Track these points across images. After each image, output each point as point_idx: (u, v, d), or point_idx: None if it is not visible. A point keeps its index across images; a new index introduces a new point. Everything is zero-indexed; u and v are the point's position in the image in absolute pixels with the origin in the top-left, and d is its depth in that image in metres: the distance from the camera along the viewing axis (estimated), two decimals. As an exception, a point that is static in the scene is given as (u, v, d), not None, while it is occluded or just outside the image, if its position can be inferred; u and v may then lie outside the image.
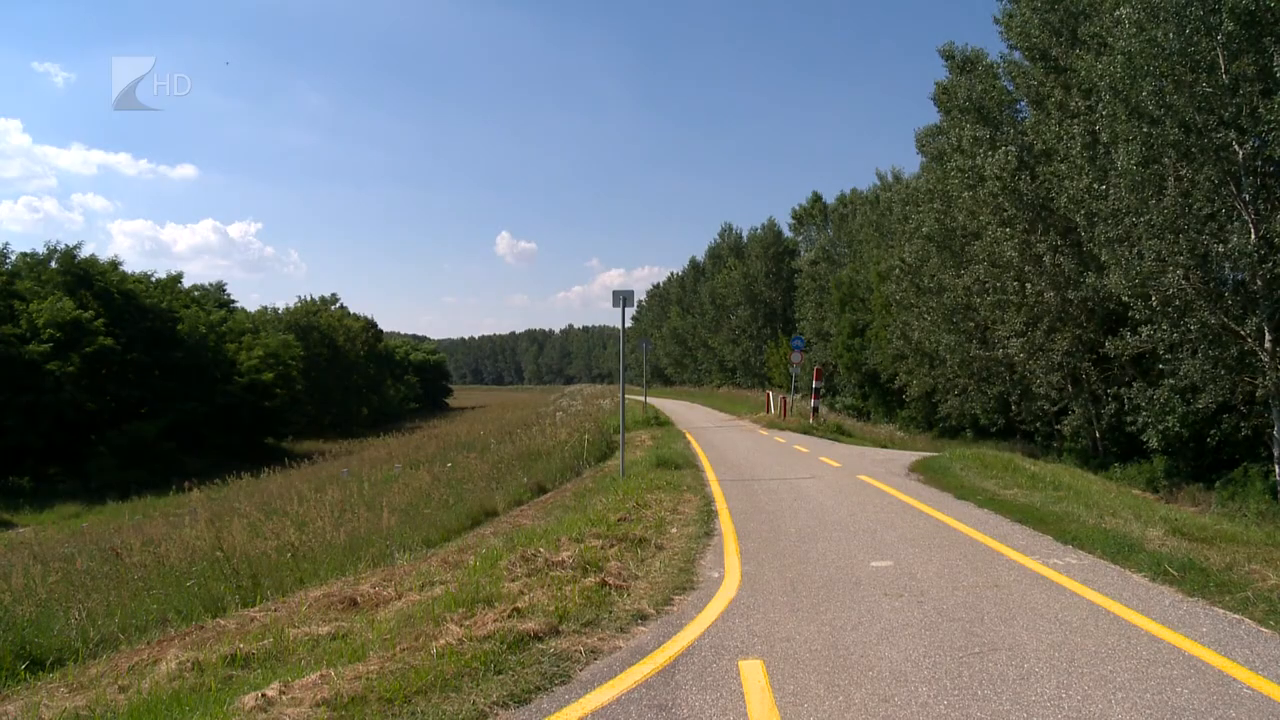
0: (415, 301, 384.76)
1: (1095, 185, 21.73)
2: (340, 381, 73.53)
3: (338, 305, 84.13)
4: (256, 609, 9.45)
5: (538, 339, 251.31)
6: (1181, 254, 18.57)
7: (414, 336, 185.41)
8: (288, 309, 75.75)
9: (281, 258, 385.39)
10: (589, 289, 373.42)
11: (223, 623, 8.91)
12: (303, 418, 61.67)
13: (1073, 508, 11.14)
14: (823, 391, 40.35)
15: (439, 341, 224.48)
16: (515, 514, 15.08)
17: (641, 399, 41.82)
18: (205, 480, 29.10)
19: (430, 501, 17.77)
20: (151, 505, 29.55)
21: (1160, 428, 20.37)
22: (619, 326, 15.33)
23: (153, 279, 53.05)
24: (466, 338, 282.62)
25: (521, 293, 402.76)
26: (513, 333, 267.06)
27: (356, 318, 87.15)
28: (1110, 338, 21.79)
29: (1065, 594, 7.22)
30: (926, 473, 15.43)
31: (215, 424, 48.41)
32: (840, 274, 47.94)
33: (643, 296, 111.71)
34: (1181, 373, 19.28)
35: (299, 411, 60.77)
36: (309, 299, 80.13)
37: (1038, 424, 29.30)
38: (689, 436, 24.66)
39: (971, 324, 30.18)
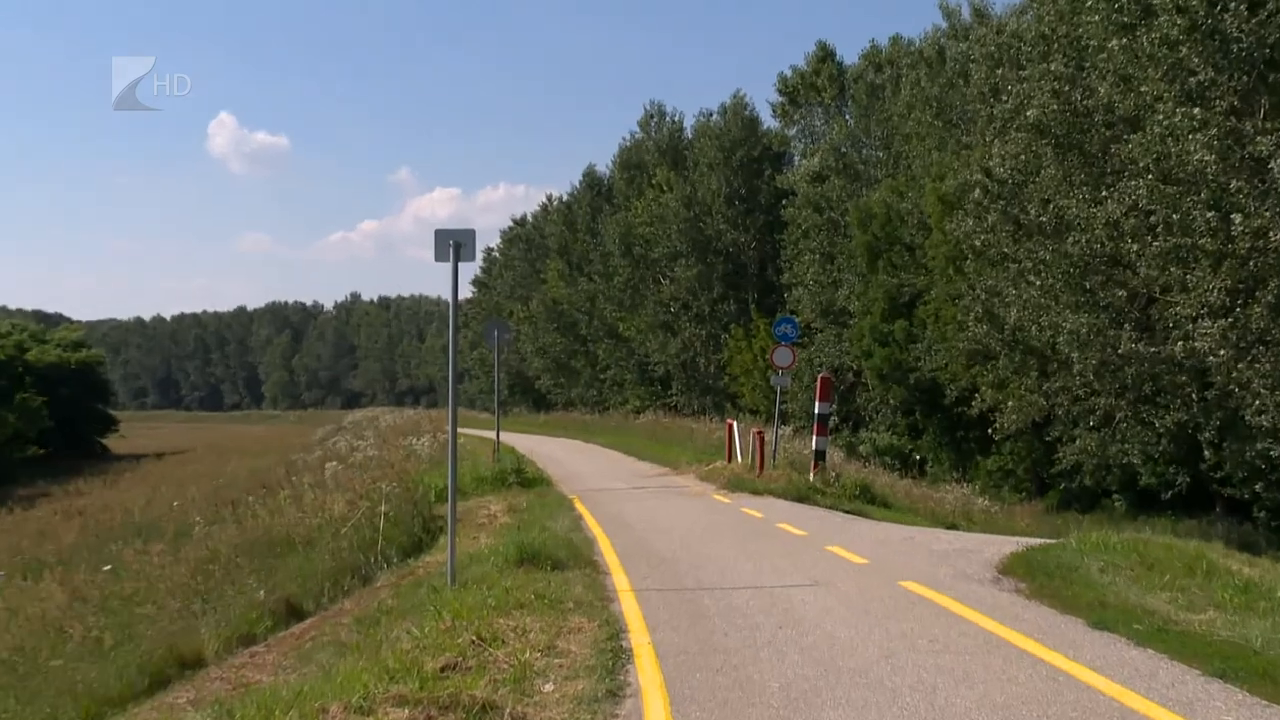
0: (39, 250, 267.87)
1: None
2: None
3: None
4: None
5: (291, 321, 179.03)
6: None
7: (39, 315, 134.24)
8: None
9: None
10: (391, 225, 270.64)
11: None
12: None
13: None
14: (834, 421, 32.72)
15: (92, 325, 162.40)
16: (241, 661, 12.68)
17: (493, 435, 33.37)
18: None
19: (64, 643, 15.02)
20: None
21: None
22: (448, 299, 12.71)
23: None
24: (149, 318, 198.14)
25: (259, 231, 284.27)
26: (242, 309, 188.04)
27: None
28: None
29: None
30: (1033, 576, 12.68)
31: None
32: (869, 198, 36.50)
33: (494, 241, 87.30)
34: None
35: None
36: None
37: (1257, 486, 22.68)
38: (580, 507, 20.98)
39: (1122, 293, 23.58)
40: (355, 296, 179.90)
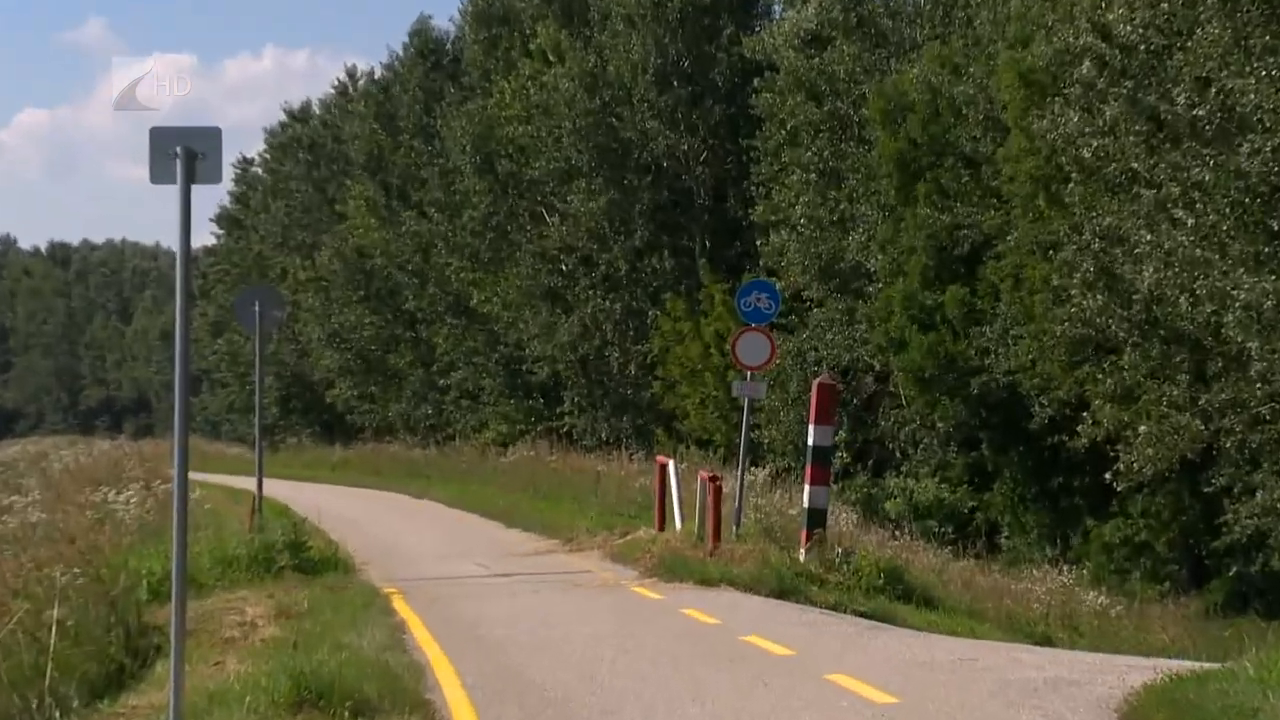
0: None
1: None
2: None
3: None
4: None
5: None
6: None
7: None
8: None
9: None
10: (73, 119, 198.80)
11: None
12: None
13: None
14: (840, 459, 25.47)
15: None
16: None
17: (252, 484, 24.41)
18: None
19: None
20: None
21: None
22: (172, 248, 7.43)
23: None
24: None
25: None
26: None
27: None
28: None
29: None
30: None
31: None
32: (901, 76, 27.74)
33: (256, 148, 66.07)
34: None
35: None
36: None
37: None
38: (404, 608, 16.26)
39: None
40: (8, 243, 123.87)
